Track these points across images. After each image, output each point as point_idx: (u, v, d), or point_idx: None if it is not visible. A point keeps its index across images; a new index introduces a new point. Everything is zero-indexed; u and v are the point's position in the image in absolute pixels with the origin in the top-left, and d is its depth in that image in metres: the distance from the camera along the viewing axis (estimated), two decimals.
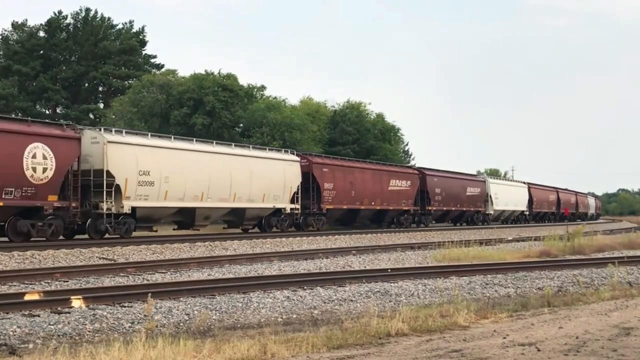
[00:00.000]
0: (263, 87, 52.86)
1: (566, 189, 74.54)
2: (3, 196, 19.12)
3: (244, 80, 53.53)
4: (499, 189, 51.25)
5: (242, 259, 18.63)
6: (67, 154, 20.87)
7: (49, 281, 13.64)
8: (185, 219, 25.82)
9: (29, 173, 19.67)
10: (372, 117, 57.32)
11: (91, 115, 56.86)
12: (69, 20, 60.75)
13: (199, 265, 16.90)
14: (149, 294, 9.01)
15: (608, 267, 14.76)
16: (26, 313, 9.39)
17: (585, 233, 27.71)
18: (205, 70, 49.20)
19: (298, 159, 30.97)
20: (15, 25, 60.55)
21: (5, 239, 20.23)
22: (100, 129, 23.22)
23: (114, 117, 48.05)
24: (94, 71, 58.08)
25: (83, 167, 21.61)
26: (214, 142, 28.33)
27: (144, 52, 63.01)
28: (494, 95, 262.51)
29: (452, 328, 8.39)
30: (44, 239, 20.42)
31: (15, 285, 12.86)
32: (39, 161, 19.91)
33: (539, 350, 6.65)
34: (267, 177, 28.29)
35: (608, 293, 11.69)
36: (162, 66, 61.14)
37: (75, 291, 11.23)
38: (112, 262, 17.29)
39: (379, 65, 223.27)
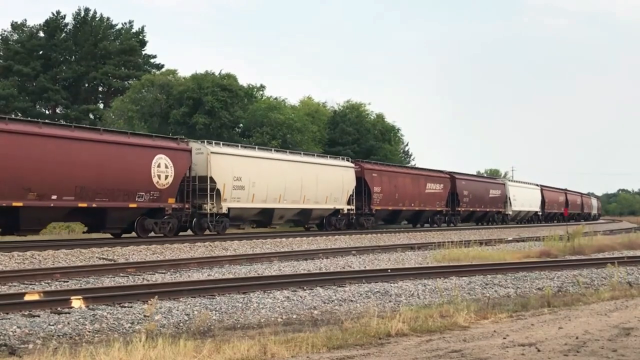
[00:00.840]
0: (262, 87, 52.93)
1: (573, 191, 77.99)
2: (136, 199, 23.08)
3: (243, 81, 53.67)
4: (517, 191, 54.61)
5: (242, 259, 18.63)
6: (182, 164, 24.89)
7: (49, 281, 13.64)
8: (264, 218, 29.41)
9: (155, 180, 23.70)
10: (372, 117, 57.34)
11: (91, 116, 56.88)
12: (69, 20, 60.86)
13: (199, 266, 16.90)
14: (155, 296, 9.01)
15: (608, 268, 14.76)
16: (26, 313, 9.39)
17: (585, 233, 27.71)
18: (206, 71, 49.30)
19: (353, 165, 35.20)
20: (15, 26, 60.60)
21: (6, 238, 20.94)
22: (203, 142, 27.10)
23: (113, 116, 48.06)
24: (94, 71, 58.11)
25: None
26: (287, 151, 33.08)
27: (143, 52, 63.06)
28: (494, 95, 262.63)
29: (452, 328, 8.39)
30: (162, 235, 24.40)
31: (15, 286, 12.86)
32: (162, 170, 23.97)
33: (539, 350, 6.65)
34: (329, 181, 32.43)
35: (608, 293, 11.69)
36: (162, 66, 61.20)
37: (75, 291, 11.22)
38: (112, 262, 17.30)
39: (379, 65, 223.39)
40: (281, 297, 11.40)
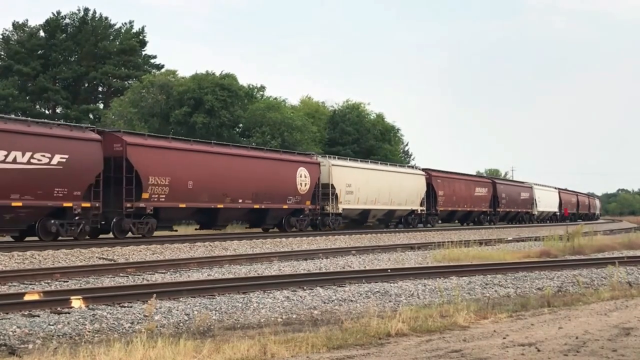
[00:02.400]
0: (263, 88, 52.94)
1: (582, 193, 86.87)
2: (287, 202, 30.16)
3: (244, 80, 53.68)
4: (541, 194, 61.59)
5: (242, 259, 18.63)
6: (315, 174, 32.03)
7: (49, 281, 13.63)
8: (361, 217, 36.33)
9: (298, 187, 30.79)
10: (371, 117, 57.34)
11: (91, 116, 56.84)
12: (69, 20, 60.79)
13: (199, 265, 16.89)
14: (154, 295, 9.02)
15: (608, 268, 14.75)
16: (26, 313, 9.39)
17: (585, 233, 27.72)
18: (206, 71, 49.31)
19: (423, 173, 41.78)
20: (15, 26, 60.57)
21: (6, 238, 21.11)
22: (325, 156, 35.18)
23: (113, 117, 48.05)
24: (93, 71, 58.08)
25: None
26: (379, 162, 40.26)
27: (143, 53, 63.02)
28: (494, 95, 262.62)
29: (452, 328, 8.39)
30: (299, 230, 30.95)
31: (15, 285, 12.86)
32: (302, 179, 31.08)
33: (538, 350, 6.65)
34: (408, 187, 39.24)
35: (608, 293, 11.68)
36: (162, 66, 61.18)
37: (75, 291, 11.22)
38: (112, 262, 17.29)
39: (380, 65, 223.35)
40: (281, 297, 11.39)
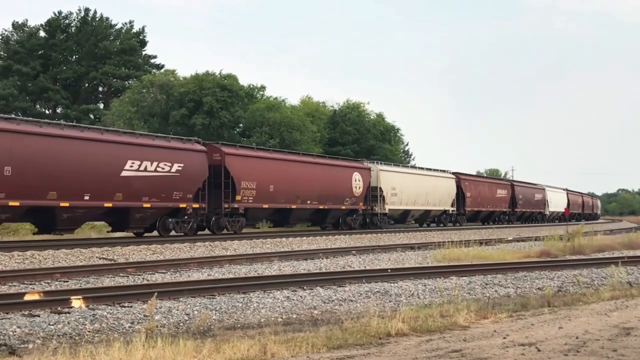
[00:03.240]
0: (263, 88, 52.93)
1: (586, 194, 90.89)
2: (344, 203, 33.74)
3: (244, 80, 53.60)
4: (552, 195, 66.17)
5: (242, 259, 18.63)
6: (366, 178, 35.49)
7: (49, 281, 13.63)
8: (402, 217, 40.49)
9: (354, 190, 34.36)
10: (371, 117, 57.34)
11: (91, 116, 56.87)
12: (69, 20, 60.79)
13: (199, 265, 16.89)
14: (155, 294, 9.01)
15: (608, 267, 14.75)
16: (26, 313, 9.38)
17: (585, 233, 27.72)
18: (206, 71, 49.31)
19: (454, 176, 45.88)
20: (15, 26, 60.58)
21: (6, 238, 20.81)
22: (374, 162, 38.37)
23: (113, 117, 48.06)
24: (94, 71, 58.09)
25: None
26: (416, 166, 44.92)
27: (144, 52, 63.04)
28: (494, 95, 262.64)
29: (452, 328, 8.39)
30: (353, 228, 34.21)
31: (15, 285, 12.85)
32: (357, 183, 34.61)
33: (539, 350, 6.65)
34: (441, 189, 43.37)
35: (608, 293, 11.68)
36: (162, 66, 61.20)
37: (75, 291, 11.22)
38: (112, 262, 17.29)
39: (380, 64, 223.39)
40: (281, 297, 11.39)
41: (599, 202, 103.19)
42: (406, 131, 78.86)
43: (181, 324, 9.26)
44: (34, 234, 23.50)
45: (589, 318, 8.86)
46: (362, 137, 54.32)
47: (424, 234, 34.57)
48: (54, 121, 23.97)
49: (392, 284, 13.13)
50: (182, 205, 24.73)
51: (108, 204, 22.18)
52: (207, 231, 27.18)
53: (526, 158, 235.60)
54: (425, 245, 25.42)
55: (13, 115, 26.98)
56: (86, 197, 21.39)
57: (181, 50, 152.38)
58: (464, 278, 14.19)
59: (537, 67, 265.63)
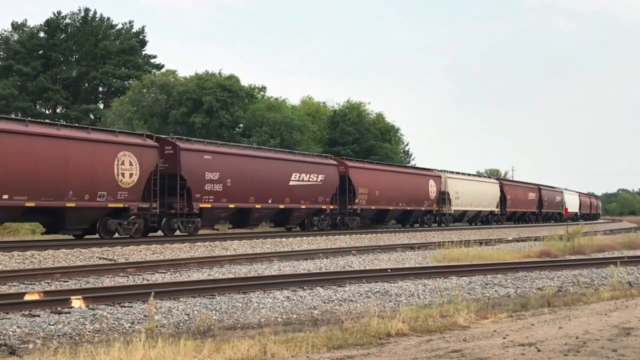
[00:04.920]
0: (264, 88, 52.93)
1: (593, 195, 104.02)
2: (423, 205, 40.67)
3: (244, 80, 53.68)
4: (568, 197, 73.56)
5: (242, 259, 18.62)
6: (438, 184, 42.59)
7: (49, 281, 13.63)
8: (460, 216, 46.88)
9: (430, 194, 41.33)
10: (372, 117, 57.33)
11: (91, 116, 56.86)
12: (69, 20, 60.78)
13: (199, 265, 16.89)
14: (152, 294, 9.02)
15: (608, 267, 14.74)
16: (26, 313, 9.38)
17: (585, 233, 27.72)
18: (206, 71, 49.29)
19: (497, 181, 54.17)
20: (15, 26, 60.56)
21: (6, 237, 20.80)
22: (442, 170, 44.90)
23: (113, 117, 48.07)
24: (94, 71, 58.07)
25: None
26: (475, 173, 53.30)
27: (144, 52, 63.01)
28: (494, 95, 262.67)
29: (452, 328, 8.39)
30: (428, 225, 40.93)
31: (15, 285, 12.85)
32: (432, 188, 41.62)
33: (539, 350, 6.65)
34: (489, 193, 50.46)
35: (608, 293, 11.68)
36: (162, 66, 61.17)
37: (75, 291, 11.22)
38: (112, 262, 17.29)
39: (381, 64, 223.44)
40: (281, 297, 11.39)
41: (599, 202, 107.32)
42: (406, 131, 78.85)
43: (181, 324, 9.27)
44: (229, 228, 29.68)
45: (589, 318, 8.86)
46: (362, 137, 54.31)
47: (424, 234, 34.57)
48: (254, 146, 34.55)
49: (392, 284, 13.13)
50: (324, 206, 32.32)
51: (281, 206, 29.49)
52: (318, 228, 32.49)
53: (527, 158, 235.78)
54: (425, 245, 25.42)
55: (225, 142, 32.52)
56: (269, 201, 28.75)
57: (181, 50, 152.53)
58: (464, 278, 14.19)
59: (537, 67, 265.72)
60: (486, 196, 49.62)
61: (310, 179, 31.07)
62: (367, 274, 14.50)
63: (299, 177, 30.33)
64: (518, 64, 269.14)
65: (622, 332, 7.68)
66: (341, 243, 26.64)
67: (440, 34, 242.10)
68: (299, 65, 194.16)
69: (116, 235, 22.77)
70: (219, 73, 49.15)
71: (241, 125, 49.09)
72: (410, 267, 17.13)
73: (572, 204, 73.56)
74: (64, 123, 24.75)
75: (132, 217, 22.86)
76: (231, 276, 14.62)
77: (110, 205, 21.99)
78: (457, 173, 47.62)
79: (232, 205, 26.77)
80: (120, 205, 22.29)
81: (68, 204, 20.68)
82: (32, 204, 19.76)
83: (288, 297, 11.42)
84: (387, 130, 57.74)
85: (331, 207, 32.50)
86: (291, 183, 29.91)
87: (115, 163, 22.06)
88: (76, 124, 26.84)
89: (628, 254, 20.26)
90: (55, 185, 20.36)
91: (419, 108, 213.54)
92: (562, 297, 11.80)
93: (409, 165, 44.64)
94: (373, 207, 35.93)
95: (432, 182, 41.85)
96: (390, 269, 15.64)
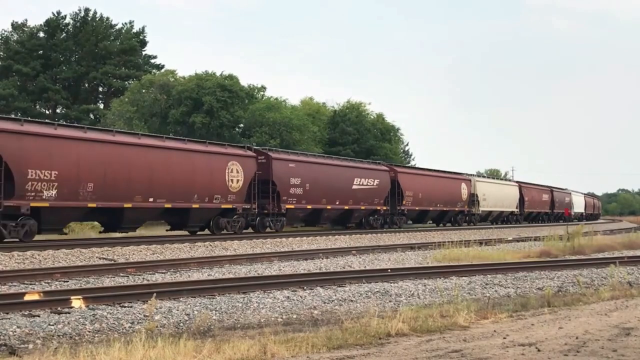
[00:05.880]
0: (263, 88, 52.92)
1: (595, 195, 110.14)
2: (457, 206, 45.21)
3: (244, 81, 53.67)
4: (575, 198, 78.40)
5: (242, 259, 18.62)
6: (469, 187, 46.74)
7: (49, 281, 13.62)
8: (485, 217, 50.32)
9: (462, 196, 45.69)
10: (372, 117, 57.33)
11: (91, 116, 56.85)
12: (69, 20, 60.77)
13: (199, 265, 16.89)
14: (154, 295, 9.01)
15: (608, 267, 14.74)
16: (26, 313, 9.38)
17: (585, 233, 27.71)
18: (205, 71, 49.27)
19: (516, 184, 58.43)
20: (14, 26, 60.54)
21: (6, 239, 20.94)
22: (471, 174, 50.71)
23: (113, 117, 48.06)
24: (94, 71, 58.05)
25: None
26: (494, 177, 55.16)
27: (144, 53, 63.01)
28: (493, 95, 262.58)
29: (452, 328, 8.39)
30: (459, 224, 45.39)
31: (15, 285, 12.85)
32: (464, 191, 45.81)
33: (539, 350, 6.65)
34: (510, 194, 54.91)
35: (608, 293, 11.67)
36: (162, 66, 61.18)
37: (75, 291, 11.21)
38: (112, 262, 17.28)
39: (381, 64, 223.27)
40: (281, 297, 11.39)
41: (599, 203, 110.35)
42: (406, 131, 78.91)
43: (181, 324, 9.26)
44: (302, 226, 34.09)
45: (589, 318, 8.85)
46: (362, 137, 54.33)
47: (424, 234, 34.57)
48: (325, 155, 39.10)
49: (392, 284, 13.12)
50: (378, 207, 36.47)
51: (346, 207, 33.88)
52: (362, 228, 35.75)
53: (527, 158, 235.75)
54: (425, 245, 25.41)
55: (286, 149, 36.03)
56: (337, 202, 32.96)
57: (181, 50, 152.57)
58: (464, 278, 14.19)
59: (537, 68, 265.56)
60: (508, 198, 54.22)
61: (368, 184, 35.59)
62: (367, 274, 14.49)
63: (360, 181, 34.90)
64: (518, 64, 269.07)
65: (622, 332, 7.68)
66: (341, 243, 26.64)
67: (440, 34, 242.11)
68: (299, 65, 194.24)
69: (224, 231, 26.94)
70: (220, 74, 49.16)
71: (241, 125, 49.09)
72: (411, 267, 17.12)
73: (579, 205, 78.99)
74: (190, 139, 28.74)
75: (236, 216, 27.24)
76: (231, 276, 14.62)
77: (222, 206, 26.45)
78: (484, 177, 54.41)
79: (309, 206, 31.41)
80: (230, 206, 26.79)
81: (193, 205, 25.05)
82: (169, 206, 24.10)
83: (288, 297, 11.42)
84: (387, 130, 57.75)
85: (384, 208, 37.04)
86: (354, 187, 34.36)
87: (226, 171, 26.62)
88: (198, 139, 30.77)
89: (628, 254, 20.26)
90: (185, 190, 24.59)
91: (419, 108, 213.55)
92: (562, 297, 11.79)
93: (445, 170, 46.93)
94: (417, 208, 40.57)
95: (463, 185, 46.26)
96: (390, 269, 15.64)
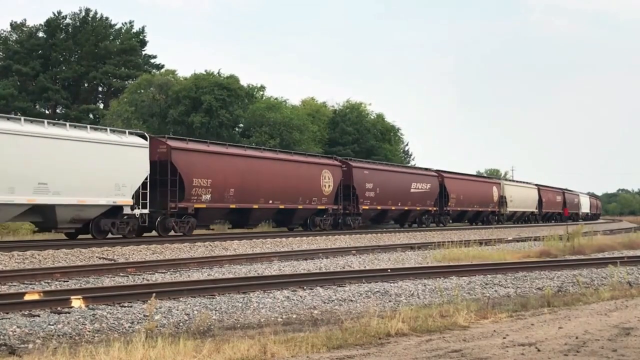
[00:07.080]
0: (263, 88, 52.87)
1: (596, 195, 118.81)
2: (489, 206, 50.02)
3: (244, 80, 53.61)
4: (582, 199, 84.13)
5: (242, 259, 18.62)
6: (498, 189, 51.85)
7: (49, 281, 13.63)
8: (511, 216, 54.46)
9: (493, 198, 50.39)
10: (372, 117, 57.30)
11: (91, 116, 56.79)
12: (69, 20, 60.69)
13: (199, 265, 16.89)
14: (154, 294, 9.01)
15: (608, 267, 14.74)
16: (26, 313, 9.38)
17: (585, 233, 27.70)
18: (205, 71, 49.23)
19: (536, 186, 62.03)
20: (14, 26, 60.48)
21: (6, 237, 20.87)
22: (501, 178, 59.74)
23: (112, 117, 48.00)
24: (94, 71, 58.00)
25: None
26: (519, 180, 65.52)
27: (144, 52, 62.93)
28: (495, 95, 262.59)
29: (452, 328, 8.39)
30: (488, 223, 49.24)
31: (15, 285, 12.85)
32: (494, 193, 50.71)
33: (538, 350, 6.65)
34: (530, 196, 59.41)
35: (608, 293, 11.67)
36: (162, 66, 61.07)
37: (75, 291, 11.22)
38: (112, 262, 17.28)
39: (381, 64, 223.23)
40: (281, 297, 11.39)
41: (600, 203, 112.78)
42: (406, 131, 78.96)
43: (181, 324, 9.26)
44: (370, 224, 38.30)
45: (588, 318, 8.85)
46: (362, 137, 54.30)
47: (424, 234, 34.56)
48: (391, 163, 46.36)
49: (392, 284, 13.13)
50: (429, 208, 41.60)
51: (406, 208, 39.07)
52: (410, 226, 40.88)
53: (526, 158, 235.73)
54: (425, 245, 25.40)
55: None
56: (399, 204, 38.10)
57: (181, 50, 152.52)
58: (463, 278, 14.19)
59: (537, 68, 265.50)
60: (529, 199, 59.10)
61: (422, 187, 40.64)
62: (367, 274, 14.49)
63: (416, 186, 39.94)
64: (518, 64, 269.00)
65: (622, 332, 7.68)
66: (341, 243, 26.63)
67: (441, 34, 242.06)
68: (299, 65, 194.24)
69: (317, 228, 31.98)
70: (218, 73, 49.11)
71: (241, 125, 49.05)
72: (410, 267, 17.12)
73: (585, 205, 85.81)
74: (295, 151, 35.21)
75: (325, 215, 32.53)
76: (231, 276, 14.62)
77: (318, 207, 31.85)
78: (512, 180, 61.64)
79: (379, 207, 36.66)
80: (323, 207, 32.29)
81: (299, 206, 30.48)
82: (283, 207, 29.53)
83: (288, 297, 11.42)
84: (387, 130, 57.72)
85: (434, 208, 42.18)
86: (411, 190, 39.41)
87: (321, 178, 31.98)
88: (302, 151, 36.69)
89: (628, 254, 20.26)
90: (293, 194, 29.92)
91: (419, 108, 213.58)
92: (562, 297, 11.79)
93: (479, 174, 51.65)
94: (459, 209, 45.58)
95: (494, 188, 51.43)
96: (390, 269, 15.64)
